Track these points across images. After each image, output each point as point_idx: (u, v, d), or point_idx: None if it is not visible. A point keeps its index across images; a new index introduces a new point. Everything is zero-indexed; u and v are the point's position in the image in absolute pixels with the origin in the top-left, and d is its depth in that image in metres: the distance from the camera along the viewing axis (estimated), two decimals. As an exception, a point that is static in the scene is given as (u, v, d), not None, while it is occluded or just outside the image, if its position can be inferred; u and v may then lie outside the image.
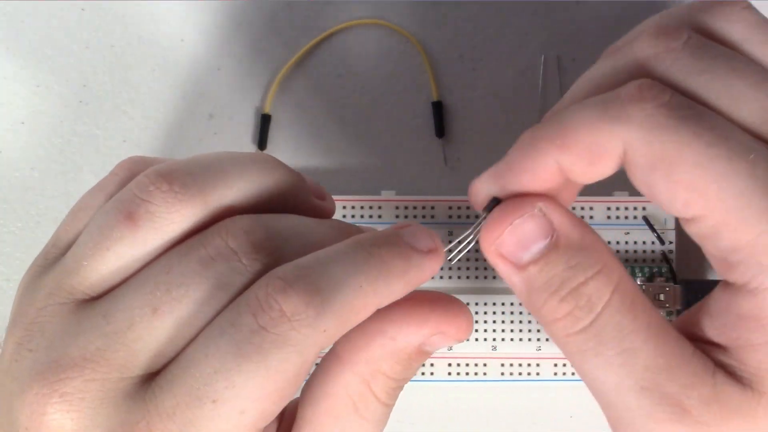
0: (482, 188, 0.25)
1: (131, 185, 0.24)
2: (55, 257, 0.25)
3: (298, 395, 0.25)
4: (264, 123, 0.40)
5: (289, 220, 0.24)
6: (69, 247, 0.24)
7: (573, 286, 0.25)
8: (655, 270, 0.38)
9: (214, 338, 0.22)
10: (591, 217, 0.37)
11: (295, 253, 0.23)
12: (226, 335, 0.22)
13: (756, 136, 0.23)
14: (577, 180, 0.25)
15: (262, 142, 0.40)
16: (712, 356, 0.24)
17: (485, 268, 0.37)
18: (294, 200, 0.26)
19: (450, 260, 0.26)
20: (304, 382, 0.25)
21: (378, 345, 0.24)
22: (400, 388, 0.25)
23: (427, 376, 0.37)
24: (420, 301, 0.25)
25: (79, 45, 0.41)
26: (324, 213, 0.27)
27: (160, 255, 0.23)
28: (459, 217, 0.37)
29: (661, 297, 0.37)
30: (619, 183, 0.39)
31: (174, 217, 0.23)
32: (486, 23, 0.41)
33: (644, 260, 0.38)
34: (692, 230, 0.23)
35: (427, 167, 0.40)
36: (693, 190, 0.22)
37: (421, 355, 0.25)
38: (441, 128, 0.40)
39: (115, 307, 0.23)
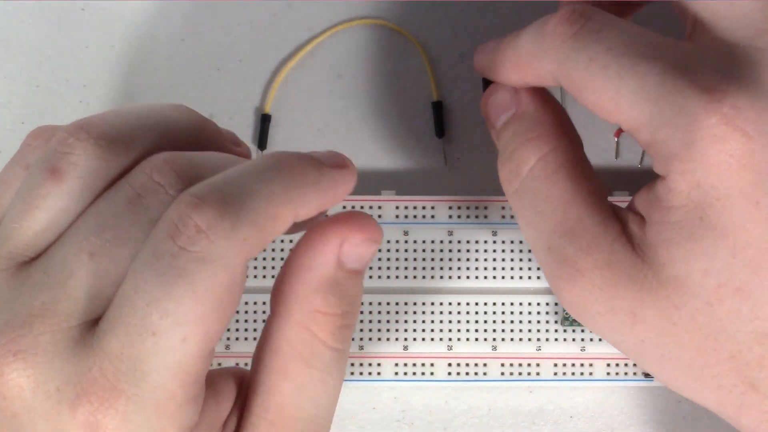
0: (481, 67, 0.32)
1: (51, 143, 0.24)
2: None
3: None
4: (264, 123, 0.40)
5: (210, 154, 0.25)
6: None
7: (510, 151, 0.29)
8: (655, 270, 0.38)
9: (140, 271, 0.22)
10: (591, 217, 0.37)
11: None
12: (150, 265, 0.22)
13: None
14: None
15: (262, 142, 0.40)
16: (629, 226, 0.27)
17: (485, 269, 0.37)
18: (211, 144, 0.26)
19: None
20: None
21: (300, 282, 0.24)
22: (346, 327, 0.25)
23: (427, 376, 0.37)
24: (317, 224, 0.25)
25: (79, 45, 0.41)
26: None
27: (89, 205, 0.24)
28: (459, 217, 0.37)
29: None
30: (619, 183, 0.39)
31: (97, 164, 0.23)
32: (486, 23, 0.41)
33: (644, 260, 0.38)
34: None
35: (427, 167, 0.40)
36: (600, 109, 0.26)
37: (348, 277, 0.25)
38: (441, 128, 0.40)
39: (53, 260, 0.23)
